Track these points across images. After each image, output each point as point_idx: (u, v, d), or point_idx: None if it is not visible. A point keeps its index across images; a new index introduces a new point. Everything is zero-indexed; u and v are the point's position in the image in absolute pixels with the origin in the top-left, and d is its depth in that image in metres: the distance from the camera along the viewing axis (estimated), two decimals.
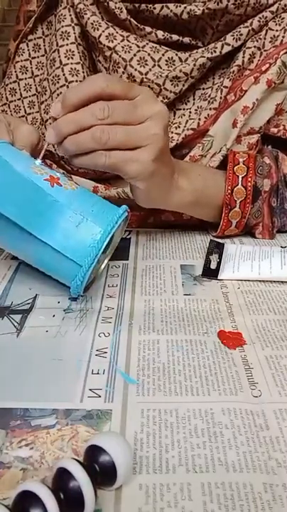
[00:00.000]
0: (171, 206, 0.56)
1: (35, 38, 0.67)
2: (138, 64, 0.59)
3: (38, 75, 0.68)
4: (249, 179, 0.56)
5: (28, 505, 0.24)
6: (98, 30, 0.59)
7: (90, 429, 0.32)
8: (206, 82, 0.62)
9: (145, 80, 0.59)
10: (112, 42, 0.58)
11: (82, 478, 0.25)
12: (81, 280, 0.43)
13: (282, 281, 0.50)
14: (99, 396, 0.35)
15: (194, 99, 0.63)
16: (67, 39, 0.61)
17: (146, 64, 0.59)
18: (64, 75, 0.61)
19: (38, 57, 0.68)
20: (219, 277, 0.51)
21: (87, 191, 0.47)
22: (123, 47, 0.59)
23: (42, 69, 0.67)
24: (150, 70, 0.59)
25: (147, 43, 0.59)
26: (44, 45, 0.67)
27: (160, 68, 0.59)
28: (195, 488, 0.28)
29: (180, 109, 0.63)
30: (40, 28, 0.67)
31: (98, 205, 0.45)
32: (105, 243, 0.42)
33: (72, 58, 0.61)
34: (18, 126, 0.49)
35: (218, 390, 0.35)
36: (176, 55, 0.59)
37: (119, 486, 0.28)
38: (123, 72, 0.59)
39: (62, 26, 0.61)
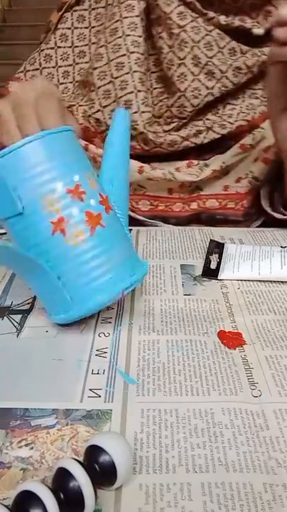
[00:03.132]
0: None
1: (80, 9, 0.68)
2: (205, 47, 0.60)
3: (77, 46, 0.68)
4: None
5: (28, 505, 0.24)
6: (170, 6, 0.60)
7: (90, 429, 0.32)
8: (256, 82, 0.64)
9: (209, 63, 0.60)
10: (182, 20, 0.59)
11: (82, 478, 0.25)
12: (66, 320, 0.42)
13: (282, 281, 0.50)
14: (99, 396, 0.35)
15: (243, 97, 0.65)
16: (132, 11, 0.62)
17: (212, 48, 0.60)
18: (126, 45, 0.62)
19: (81, 28, 0.68)
20: (219, 277, 0.51)
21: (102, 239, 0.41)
22: (192, 27, 0.59)
23: (83, 41, 0.68)
24: (215, 55, 0.60)
25: (213, 28, 0.60)
26: (89, 18, 0.68)
27: (223, 55, 0.60)
28: (194, 488, 0.28)
29: (230, 104, 0.65)
30: (88, 0, 0.68)
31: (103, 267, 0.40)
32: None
33: (135, 31, 0.63)
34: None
35: (218, 390, 0.35)
36: (238, 46, 0.61)
37: (119, 486, 0.28)
38: (188, 53, 0.60)
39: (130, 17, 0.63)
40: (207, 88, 0.62)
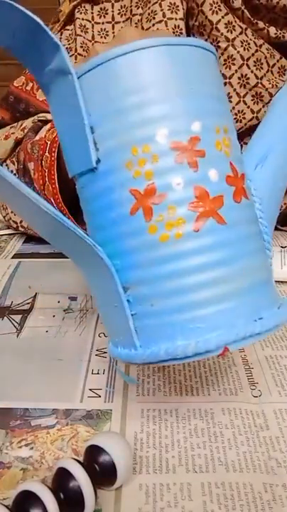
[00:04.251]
0: None
1: (102, 2, 0.59)
2: (255, 66, 0.53)
3: (98, 42, 0.59)
4: None
5: (28, 505, 0.24)
6: (217, 14, 0.51)
7: (90, 429, 0.32)
8: None
9: (259, 85, 0.54)
10: (231, 33, 0.51)
11: (82, 478, 0.25)
12: (125, 359, 0.27)
13: (282, 281, 0.50)
14: (99, 396, 0.35)
15: None
16: (177, 13, 0.53)
17: (262, 67, 0.53)
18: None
19: (103, 23, 0.59)
20: None
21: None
22: (242, 42, 0.52)
23: (105, 38, 0.59)
24: (264, 75, 0.54)
25: (263, 43, 0.53)
26: (112, 11, 0.58)
27: (272, 75, 0.54)
28: (194, 488, 0.28)
29: None
30: None
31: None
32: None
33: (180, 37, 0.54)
34: None
35: (218, 390, 0.35)
36: None
37: (119, 486, 0.28)
38: (235, 71, 0.53)
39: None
40: (253, 112, 0.55)
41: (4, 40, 0.25)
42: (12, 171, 0.58)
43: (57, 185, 0.46)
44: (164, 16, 0.53)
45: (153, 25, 0.53)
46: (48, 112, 0.59)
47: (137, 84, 0.25)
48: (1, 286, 0.49)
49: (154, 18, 0.54)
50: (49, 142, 0.48)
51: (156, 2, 0.54)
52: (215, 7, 0.51)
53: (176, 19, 0.53)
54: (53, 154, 0.47)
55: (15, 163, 0.57)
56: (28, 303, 0.47)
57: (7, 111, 0.63)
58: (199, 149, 0.25)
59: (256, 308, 0.26)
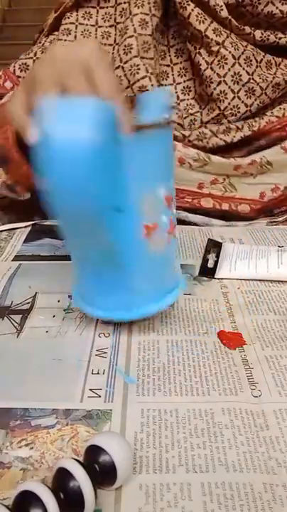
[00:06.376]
0: None
1: (87, 6, 0.63)
2: (245, 63, 0.58)
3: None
4: None
5: (28, 505, 0.24)
6: (203, 23, 0.57)
7: (90, 429, 0.32)
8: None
9: (251, 80, 0.59)
10: (219, 37, 0.57)
11: (82, 478, 0.25)
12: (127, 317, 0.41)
13: (282, 281, 0.50)
14: (99, 396, 0.35)
15: (273, 106, 0.64)
16: (146, 29, 0.58)
17: (251, 64, 0.59)
18: (145, 66, 0.59)
19: (87, 25, 0.64)
20: (216, 276, 0.51)
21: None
22: (231, 43, 0.57)
23: (88, 37, 0.64)
24: (254, 70, 0.59)
25: (247, 44, 0.59)
26: (97, 16, 0.64)
27: (261, 70, 0.59)
28: (195, 488, 0.28)
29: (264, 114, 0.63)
30: None
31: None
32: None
33: (147, 52, 0.59)
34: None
35: (218, 390, 0.35)
36: (273, 58, 0.60)
37: (119, 486, 0.28)
38: (229, 70, 0.58)
39: (141, 13, 0.59)
40: (246, 106, 0.61)
41: None
42: None
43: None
44: (135, 31, 0.58)
45: (125, 39, 0.58)
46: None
47: (153, 152, 0.35)
48: (1, 287, 0.49)
49: (126, 33, 0.59)
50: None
51: (128, 17, 0.59)
52: (200, 17, 0.57)
53: (145, 35, 0.58)
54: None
55: None
56: (28, 303, 0.47)
57: None
58: (171, 196, 0.37)
59: (147, 300, 0.40)
